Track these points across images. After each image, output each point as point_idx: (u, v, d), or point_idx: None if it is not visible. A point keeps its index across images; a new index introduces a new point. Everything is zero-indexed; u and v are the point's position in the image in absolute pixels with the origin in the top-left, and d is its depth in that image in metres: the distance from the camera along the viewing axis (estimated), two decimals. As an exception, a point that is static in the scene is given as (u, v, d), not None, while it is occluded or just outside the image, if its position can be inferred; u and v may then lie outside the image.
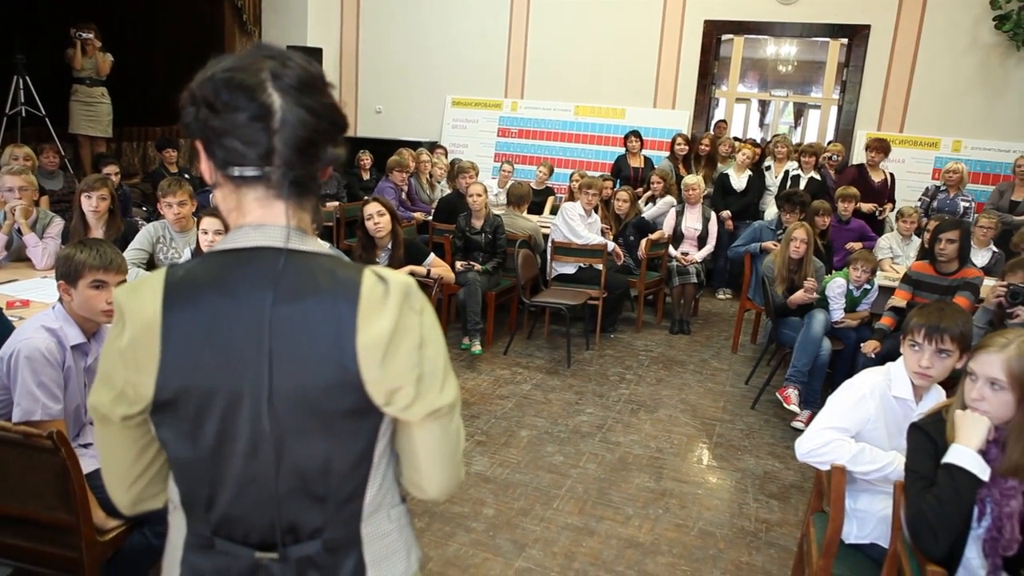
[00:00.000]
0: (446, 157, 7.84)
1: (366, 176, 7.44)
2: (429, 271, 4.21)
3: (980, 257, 5.09)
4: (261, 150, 0.93)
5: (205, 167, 0.98)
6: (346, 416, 0.97)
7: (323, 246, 1.02)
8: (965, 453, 1.67)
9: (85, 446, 2.24)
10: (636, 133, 7.26)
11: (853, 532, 2.17)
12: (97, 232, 3.80)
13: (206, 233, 3.33)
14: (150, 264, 3.73)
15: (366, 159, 7.50)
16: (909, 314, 2.15)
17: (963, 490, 1.66)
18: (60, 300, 2.15)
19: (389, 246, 4.26)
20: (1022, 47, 6.85)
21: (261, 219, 0.97)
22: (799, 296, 4.28)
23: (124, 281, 2.20)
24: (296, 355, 0.94)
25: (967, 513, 1.68)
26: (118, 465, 1.04)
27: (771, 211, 6.37)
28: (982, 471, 1.65)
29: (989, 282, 4.29)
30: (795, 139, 12.55)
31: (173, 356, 0.95)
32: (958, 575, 1.74)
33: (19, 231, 3.84)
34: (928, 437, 1.78)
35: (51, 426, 1.94)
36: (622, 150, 7.43)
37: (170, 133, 7.45)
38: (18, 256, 3.90)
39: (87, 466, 2.08)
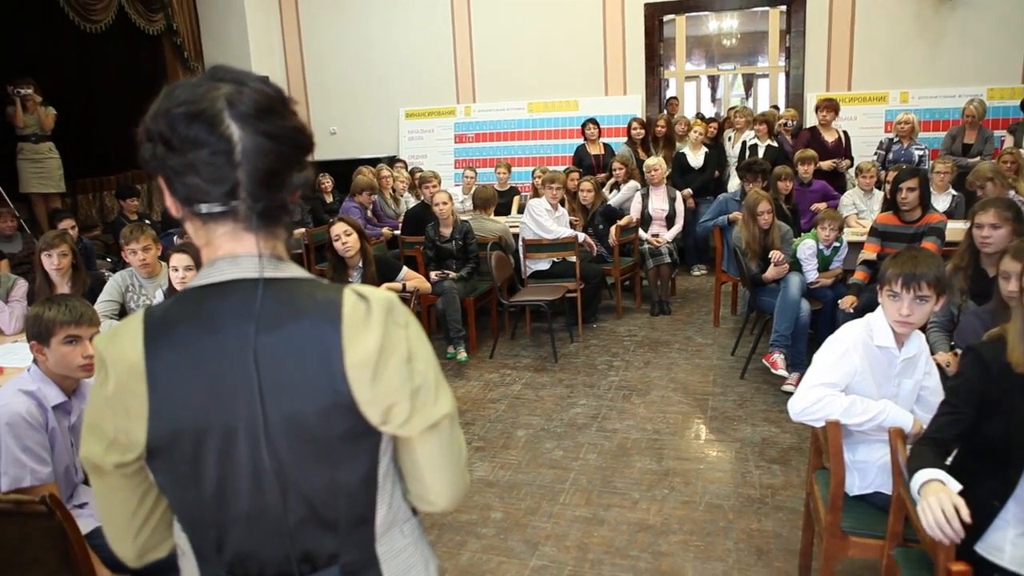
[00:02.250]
0: (406, 169, 7.81)
1: (329, 199, 7.39)
2: (404, 285, 4.20)
3: (941, 202, 5.20)
4: (225, 186, 0.90)
5: (170, 202, 0.96)
6: (344, 439, 0.96)
7: (301, 271, 1.00)
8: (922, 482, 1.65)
9: (80, 506, 2.20)
10: (593, 120, 7.29)
11: (856, 484, 2.20)
12: (63, 289, 3.73)
13: (176, 270, 3.29)
14: (122, 314, 3.67)
15: (327, 182, 7.44)
16: (883, 264, 2.18)
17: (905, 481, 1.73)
18: (35, 361, 2.11)
19: (360, 265, 4.23)
20: (953, -7, 7.02)
21: (233, 251, 0.95)
22: (772, 273, 4.35)
23: (97, 333, 2.17)
24: (286, 383, 0.93)
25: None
26: (119, 517, 1.02)
27: (734, 182, 6.45)
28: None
29: (954, 225, 4.37)
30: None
31: (162, 398, 0.93)
32: (1009, 506, 1.72)
33: (-18, 299, 3.76)
34: (980, 362, 1.73)
35: (42, 490, 1.90)
36: (580, 141, 7.46)
37: (127, 180, 7.32)
38: (-15, 324, 3.81)
39: (85, 526, 2.03)
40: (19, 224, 5.84)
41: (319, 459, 0.95)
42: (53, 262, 3.72)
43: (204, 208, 0.92)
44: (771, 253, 4.39)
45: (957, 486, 1.61)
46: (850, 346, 2.17)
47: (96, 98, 7.42)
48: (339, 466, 0.97)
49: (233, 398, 0.93)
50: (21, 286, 3.90)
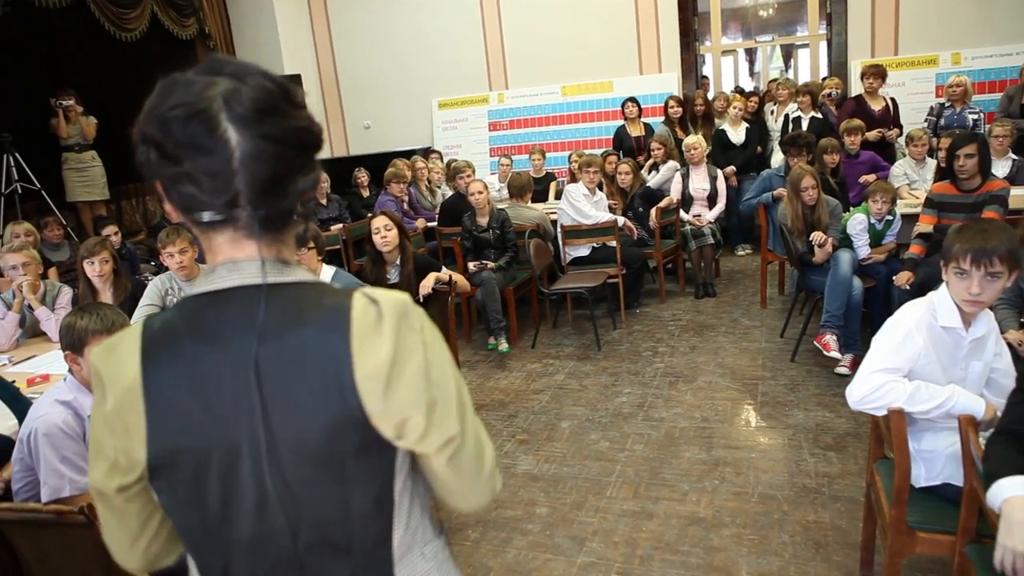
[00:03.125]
0: (441, 160, 7.76)
1: (366, 193, 7.37)
2: (451, 275, 4.13)
3: (1000, 167, 4.93)
4: (223, 196, 0.83)
5: (169, 208, 0.90)
6: (356, 456, 0.88)
7: (307, 274, 0.93)
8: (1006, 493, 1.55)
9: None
10: (632, 99, 7.14)
11: (922, 475, 2.06)
12: (105, 295, 3.78)
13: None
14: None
15: (363, 177, 7.42)
16: (948, 238, 2.01)
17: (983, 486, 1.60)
18: (70, 371, 2.10)
19: (398, 262, 4.18)
20: (1007, -55, 6.62)
21: (233, 256, 0.89)
22: (821, 255, 4.18)
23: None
24: (291, 397, 0.86)
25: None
26: (123, 539, 0.97)
27: (777, 157, 6.24)
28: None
29: (1016, 191, 4.13)
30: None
31: (160, 416, 0.87)
32: None
33: (30, 307, 3.82)
34: None
35: (82, 500, 1.90)
36: (618, 123, 7.30)
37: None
38: (34, 332, 3.88)
39: (126, 534, 2.03)
40: (66, 232, 5.97)
41: (329, 478, 0.88)
42: (95, 269, 3.76)
43: (202, 216, 0.86)
44: (812, 235, 4.20)
45: None
46: (912, 328, 2.03)
47: (135, 105, 7.40)
48: (351, 485, 0.89)
49: (235, 415, 0.86)
50: (66, 293, 3.96)
